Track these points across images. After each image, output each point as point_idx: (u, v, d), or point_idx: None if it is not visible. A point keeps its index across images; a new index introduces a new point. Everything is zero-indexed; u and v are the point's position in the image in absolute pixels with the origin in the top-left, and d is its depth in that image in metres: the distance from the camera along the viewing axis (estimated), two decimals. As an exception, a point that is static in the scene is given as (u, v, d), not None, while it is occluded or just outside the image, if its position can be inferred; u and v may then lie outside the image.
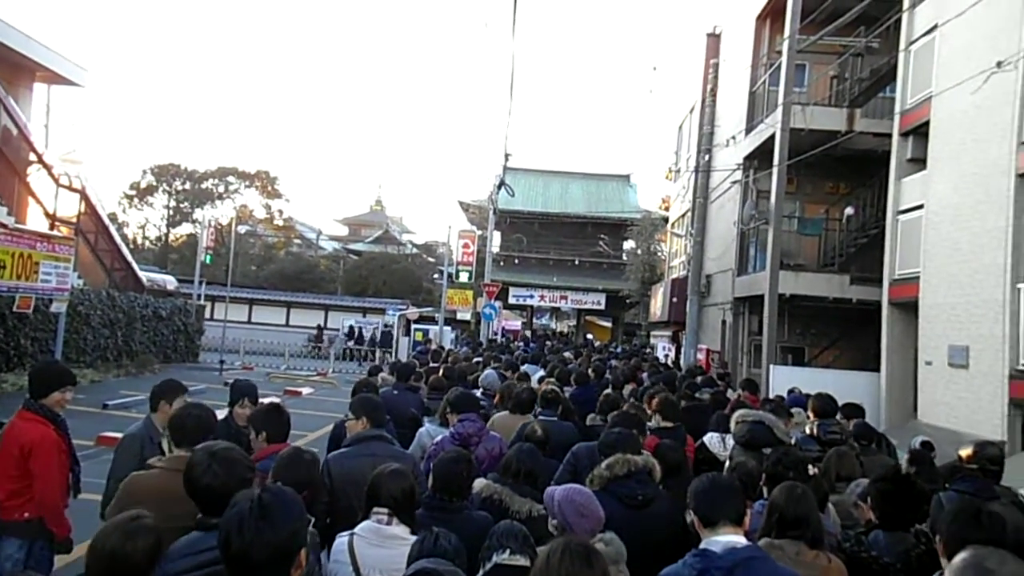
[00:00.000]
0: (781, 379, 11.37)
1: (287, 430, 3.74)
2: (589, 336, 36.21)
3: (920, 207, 10.38)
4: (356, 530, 2.75)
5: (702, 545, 2.26)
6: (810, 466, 3.97)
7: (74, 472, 3.87)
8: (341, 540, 2.75)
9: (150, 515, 2.40)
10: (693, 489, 2.42)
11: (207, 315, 24.83)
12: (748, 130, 14.74)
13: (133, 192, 46.08)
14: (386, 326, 28.80)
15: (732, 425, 4.84)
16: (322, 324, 30.51)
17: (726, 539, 2.23)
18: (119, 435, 4.19)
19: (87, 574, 2.22)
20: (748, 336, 15.23)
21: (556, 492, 2.89)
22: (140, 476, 3.00)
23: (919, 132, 10.66)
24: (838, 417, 5.79)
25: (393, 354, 23.69)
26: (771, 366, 12.29)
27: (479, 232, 28.54)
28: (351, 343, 28.38)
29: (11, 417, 3.82)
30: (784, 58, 12.33)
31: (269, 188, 48.99)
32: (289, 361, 23.59)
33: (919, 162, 10.66)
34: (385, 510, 2.74)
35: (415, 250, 49.14)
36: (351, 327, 30.11)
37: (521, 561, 2.54)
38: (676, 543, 3.26)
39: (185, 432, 3.13)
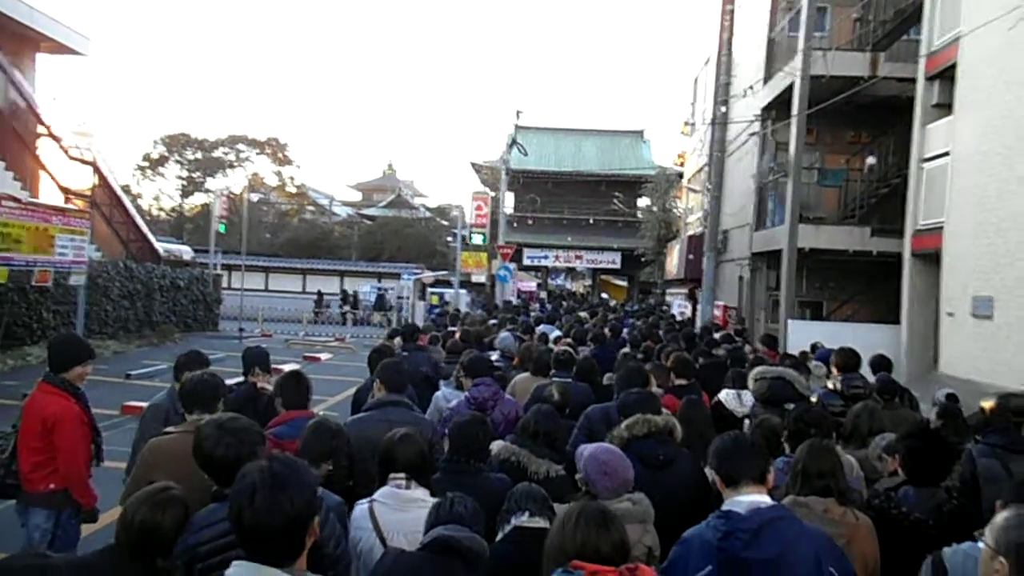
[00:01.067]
0: (799, 334, 11.27)
1: (307, 397, 3.74)
2: (604, 295, 36.15)
3: (945, 154, 10.06)
4: (376, 496, 2.74)
5: (725, 506, 2.21)
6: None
7: (96, 442, 3.91)
8: (361, 507, 2.74)
9: (178, 487, 2.42)
10: (715, 448, 2.36)
11: (224, 284, 24.98)
12: (766, 79, 14.31)
13: (145, 163, 46.11)
14: (381, 289, 28.85)
15: (751, 382, 4.77)
16: (322, 290, 30.49)
17: (750, 499, 2.17)
18: (143, 404, 4.24)
19: (116, 543, 2.23)
20: (766, 291, 15.05)
21: (587, 448, 2.89)
22: (159, 441, 3.05)
23: (945, 76, 10.27)
24: (861, 371, 5.70)
25: (394, 318, 23.88)
26: (789, 321, 12.17)
27: (492, 194, 28.31)
28: (347, 308, 28.40)
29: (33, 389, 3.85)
30: (804, 1, 11.87)
31: (280, 155, 48.84)
32: (307, 327, 23.79)
33: (945, 107, 10.29)
34: (402, 474, 2.73)
35: (428, 214, 48.93)
36: (344, 291, 30.09)
37: (540, 523, 2.52)
38: (698, 502, 3.23)
39: (196, 397, 3.19)
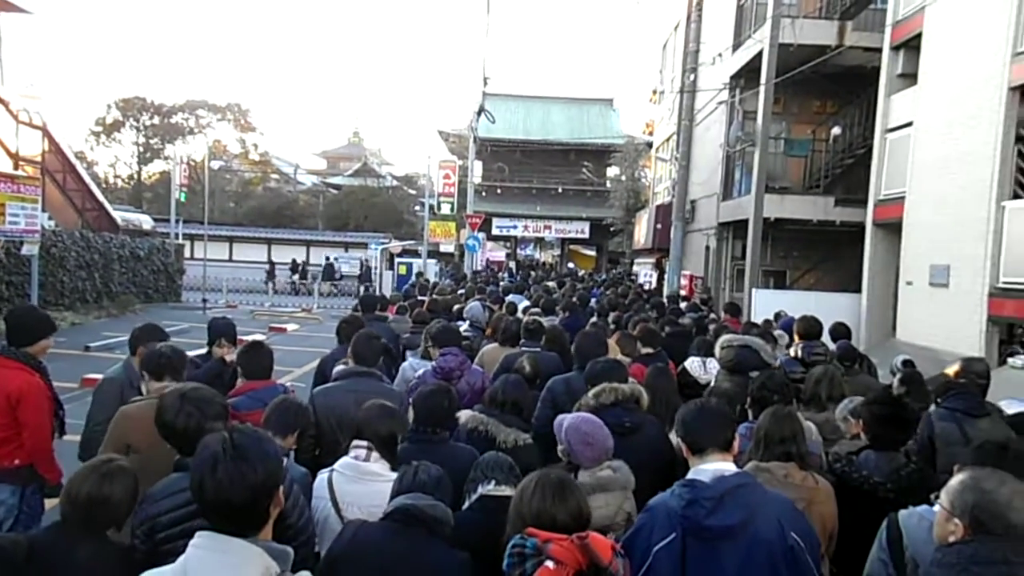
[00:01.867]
0: (763, 303, 11.45)
1: (268, 367, 3.69)
2: (570, 265, 36.29)
3: (909, 124, 10.20)
4: (336, 466, 2.73)
5: (690, 474, 2.22)
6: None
7: (59, 416, 3.85)
8: (322, 477, 2.74)
9: (123, 458, 2.41)
10: (681, 416, 2.37)
11: (187, 254, 24.43)
12: (735, 47, 14.27)
13: (99, 128, 44.55)
14: (328, 259, 28.73)
15: (717, 350, 4.82)
16: (273, 260, 30.10)
17: (714, 467, 2.19)
18: (102, 376, 4.11)
19: (63, 520, 2.16)
20: (731, 261, 15.24)
21: (565, 419, 2.90)
22: (129, 408, 3.08)
23: (911, 45, 10.36)
24: (823, 339, 5.82)
25: (354, 288, 23.75)
26: (753, 290, 12.35)
27: (460, 162, 27.99)
28: (295, 277, 28.07)
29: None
30: (773, -32, 11.79)
31: (242, 122, 47.60)
32: (273, 298, 23.44)
33: (910, 77, 10.40)
34: (365, 443, 2.72)
35: (395, 182, 48.32)
36: (293, 261, 29.78)
37: (507, 491, 2.53)
38: (664, 468, 3.27)
39: (161, 365, 3.19)
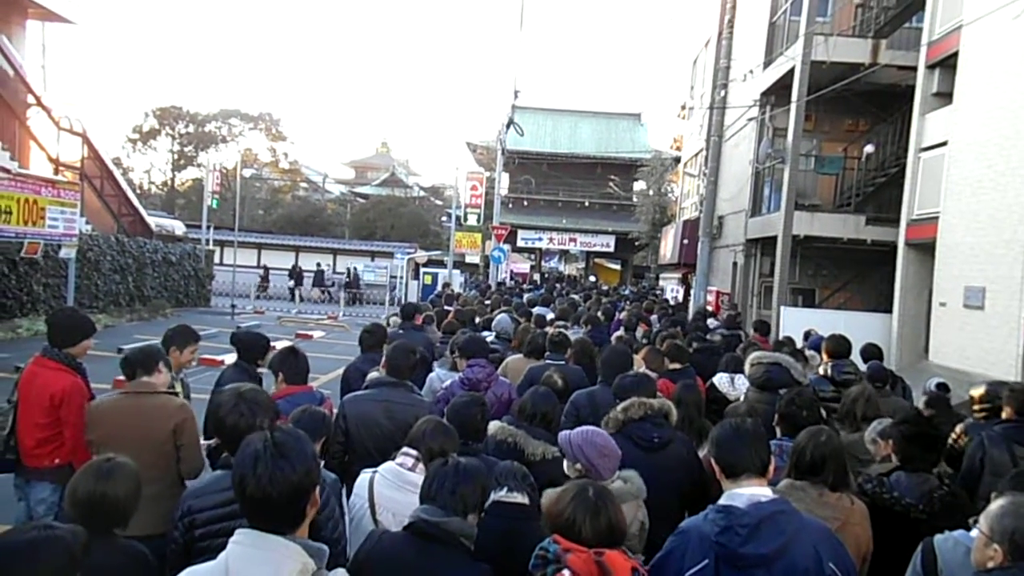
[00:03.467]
0: (791, 321, 11.32)
1: (306, 372, 3.75)
2: (592, 278, 36.19)
3: (944, 144, 10.06)
4: (380, 469, 2.76)
5: (724, 499, 2.17)
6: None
7: None
8: (364, 477, 2.77)
9: (124, 455, 2.43)
10: (715, 437, 2.32)
11: (216, 260, 24.86)
12: (766, 64, 14.22)
13: (136, 136, 45.61)
14: (320, 265, 29.18)
15: (747, 367, 4.79)
16: (268, 265, 30.06)
17: (750, 492, 2.14)
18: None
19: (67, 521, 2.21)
20: (759, 278, 15.09)
21: (572, 436, 2.88)
22: (99, 401, 3.36)
23: (946, 64, 10.23)
24: (852, 358, 5.74)
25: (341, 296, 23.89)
26: (782, 308, 12.22)
27: (487, 174, 28.18)
28: (291, 283, 28.18)
29: (27, 363, 3.80)
30: (806, -15, 11.77)
31: (273, 131, 48.42)
32: (300, 305, 23.73)
33: (945, 96, 10.27)
34: (414, 453, 2.73)
35: (422, 193, 48.75)
36: (294, 267, 29.78)
37: (518, 498, 2.56)
38: (692, 485, 3.26)
39: (137, 361, 3.37)
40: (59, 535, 1.56)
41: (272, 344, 4.53)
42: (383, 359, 4.08)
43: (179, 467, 3.23)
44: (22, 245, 11.55)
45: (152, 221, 22.35)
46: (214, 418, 2.50)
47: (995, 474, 3.33)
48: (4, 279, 12.96)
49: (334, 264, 32.47)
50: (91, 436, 3.20)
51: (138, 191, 36.30)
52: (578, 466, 2.81)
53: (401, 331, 6.42)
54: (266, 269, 29.31)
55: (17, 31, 16.97)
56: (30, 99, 16.76)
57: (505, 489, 2.56)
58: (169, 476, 3.19)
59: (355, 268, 29.47)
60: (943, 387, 5.31)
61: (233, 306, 19.98)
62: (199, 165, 44.15)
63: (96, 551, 2.12)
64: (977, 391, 4.36)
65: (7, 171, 11.40)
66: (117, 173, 21.10)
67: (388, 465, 2.75)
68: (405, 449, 2.75)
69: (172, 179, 47.92)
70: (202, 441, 3.37)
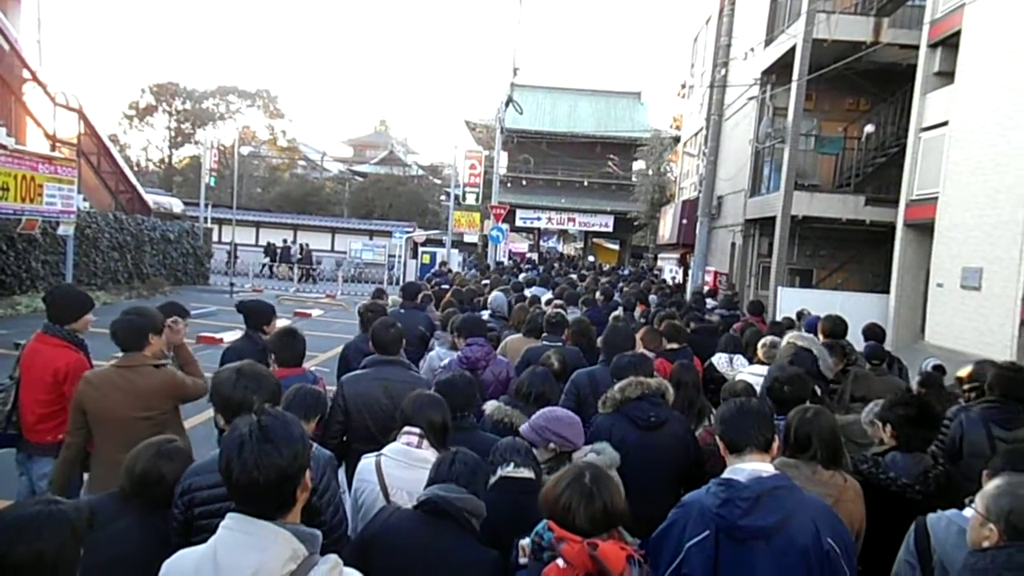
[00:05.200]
0: (789, 301, 11.35)
1: (301, 354, 3.73)
2: (591, 258, 36.16)
3: (944, 124, 10.01)
4: (384, 451, 2.75)
5: (726, 473, 2.21)
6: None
7: None
8: (368, 461, 2.76)
9: (180, 439, 2.49)
10: (720, 414, 2.36)
11: (214, 238, 24.76)
12: (768, 42, 14.08)
13: (133, 112, 45.22)
14: (286, 242, 28.85)
15: (783, 345, 4.75)
16: (272, 242, 29.85)
17: (752, 467, 2.17)
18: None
19: (120, 490, 2.29)
20: (757, 258, 15.10)
21: (532, 423, 2.92)
22: (89, 373, 3.38)
23: (948, 43, 10.15)
24: (850, 338, 5.77)
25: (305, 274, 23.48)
26: (779, 288, 12.24)
27: (486, 153, 28.00)
28: (266, 260, 27.95)
29: (29, 340, 3.81)
30: (809, -38, 11.61)
31: (271, 108, 48.03)
32: (298, 284, 23.73)
33: (946, 76, 10.20)
34: (417, 430, 2.74)
35: (421, 172, 48.47)
36: (268, 244, 29.50)
37: (525, 473, 2.58)
38: (688, 465, 3.29)
39: (121, 336, 3.36)
40: (63, 509, 1.58)
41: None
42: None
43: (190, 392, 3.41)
44: (20, 222, 11.50)
45: (150, 199, 22.24)
46: (217, 395, 2.51)
47: (974, 455, 3.36)
48: (3, 256, 12.93)
49: (332, 243, 32.39)
50: (84, 408, 3.23)
51: (135, 168, 36.07)
52: (551, 446, 2.84)
53: (402, 310, 6.42)
54: (272, 245, 29.07)
55: (12, 5, 16.74)
56: (26, 74, 16.56)
57: (512, 464, 2.57)
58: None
59: (307, 244, 29.16)
60: (940, 368, 5.36)
61: (232, 284, 19.97)
62: (196, 142, 43.80)
63: (133, 525, 2.20)
64: (965, 371, 4.39)
65: (3, 147, 11.30)
66: (114, 150, 20.97)
67: (394, 446, 2.75)
68: (407, 428, 2.76)
69: (169, 156, 47.60)
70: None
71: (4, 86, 15.51)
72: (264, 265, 27.22)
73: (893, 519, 2.53)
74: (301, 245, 29.14)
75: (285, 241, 29.37)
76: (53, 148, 16.20)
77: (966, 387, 4.30)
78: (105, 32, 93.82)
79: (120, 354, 3.35)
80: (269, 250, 28.81)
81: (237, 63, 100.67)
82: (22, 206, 11.29)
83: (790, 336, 4.70)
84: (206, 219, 23.52)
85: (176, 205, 25.57)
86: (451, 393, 3.10)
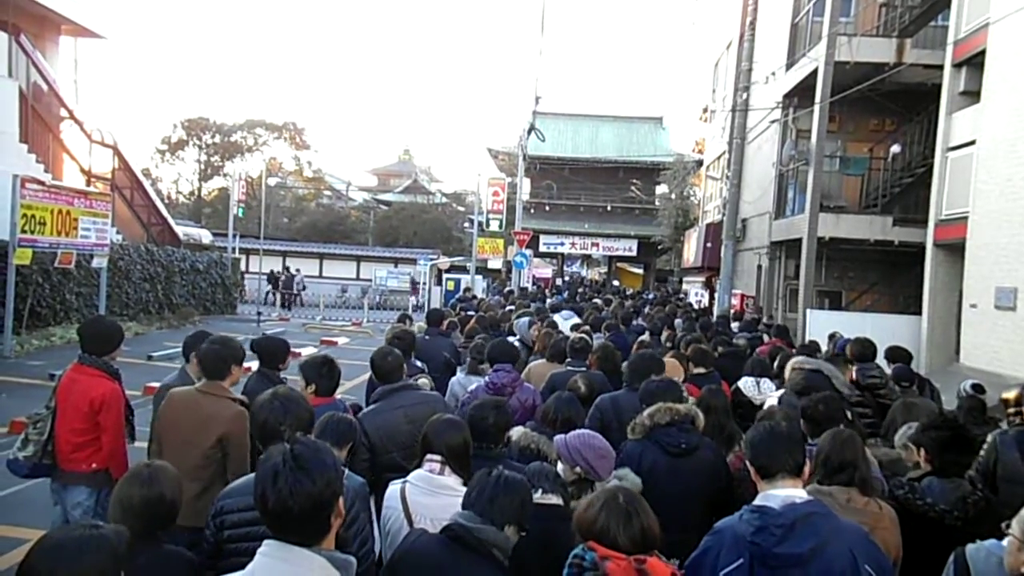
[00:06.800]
0: (818, 324, 11.19)
1: (337, 385, 3.73)
2: (615, 283, 36.03)
3: (972, 143, 9.89)
4: (409, 478, 2.75)
5: (759, 499, 2.18)
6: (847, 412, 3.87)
7: (130, 421, 3.99)
8: (393, 488, 2.77)
9: (164, 462, 2.50)
10: (750, 439, 2.33)
11: (242, 268, 25.16)
12: (789, 65, 14.10)
13: (164, 147, 46.50)
14: (277, 272, 28.68)
15: (786, 372, 4.71)
16: (275, 270, 29.63)
17: (784, 492, 2.14)
18: (159, 384, 4.27)
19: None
20: (784, 281, 14.93)
21: (568, 440, 2.89)
22: (175, 392, 3.46)
23: (973, 63, 10.07)
24: (878, 361, 5.66)
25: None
26: (808, 310, 12.08)
27: (508, 179, 28.24)
28: (269, 287, 27.98)
29: (65, 370, 3.89)
30: (829, -15, 11.66)
31: (297, 140, 49.03)
32: (324, 312, 23.97)
33: (972, 95, 10.10)
34: (438, 458, 2.73)
35: (444, 199, 48.98)
36: (271, 272, 29.17)
37: (553, 499, 2.57)
38: (719, 491, 3.24)
39: (206, 364, 3.43)
40: (104, 534, 1.61)
41: (297, 351, 4.56)
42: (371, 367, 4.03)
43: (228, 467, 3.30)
44: (56, 255, 11.83)
45: (180, 230, 22.74)
46: (254, 421, 2.56)
47: (1007, 480, 3.25)
48: (38, 288, 13.27)
49: (357, 271, 32.71)
50: (154, 424, 3.36)
51: (166, 201, 36.97)
52: (577, 469, 2.82)
53: (427, 337, 6.45)
54: (275, 273, 29.07)
55: (51, 47, 17.42)
56: (63, 113, 17.19)
57: (540, 491, 2.55)
58: (216, 474, 3.25)
59: (295, 269, 29.09)
60: (978, 388, 5.20)
61: (259, 313, 20.24)
62: (225, 175, 44.85)
63: (144, 554, 2.15)
64: (1009, 393, 4.26)
65: (41, 183, 11.68)
66: (146, 183, 21.53)
67: (418, 472, 2.75)
68: (429, 455, 2.76)
69: (199, 188, 48.74)
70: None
71: (42, 124, 16.09)
72: (267, 293, 27.49)
73: (931, 545, 2.46)
74: (286, 269, 29.26)
75: (287, 269, 29.58)
76: (88, 183, 16.73)
77: (1011, 411, 4.17)
78: (139, 70, 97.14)
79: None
80: (272, 278, 29.13)
81: (265, 96, 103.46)
82: (58, 239, 11.62)
83: (793, 362, 4.64)
84: (234, 249, 23.96)
85: (205, 236, 26.11)
86: (472, 424, 3.04)
